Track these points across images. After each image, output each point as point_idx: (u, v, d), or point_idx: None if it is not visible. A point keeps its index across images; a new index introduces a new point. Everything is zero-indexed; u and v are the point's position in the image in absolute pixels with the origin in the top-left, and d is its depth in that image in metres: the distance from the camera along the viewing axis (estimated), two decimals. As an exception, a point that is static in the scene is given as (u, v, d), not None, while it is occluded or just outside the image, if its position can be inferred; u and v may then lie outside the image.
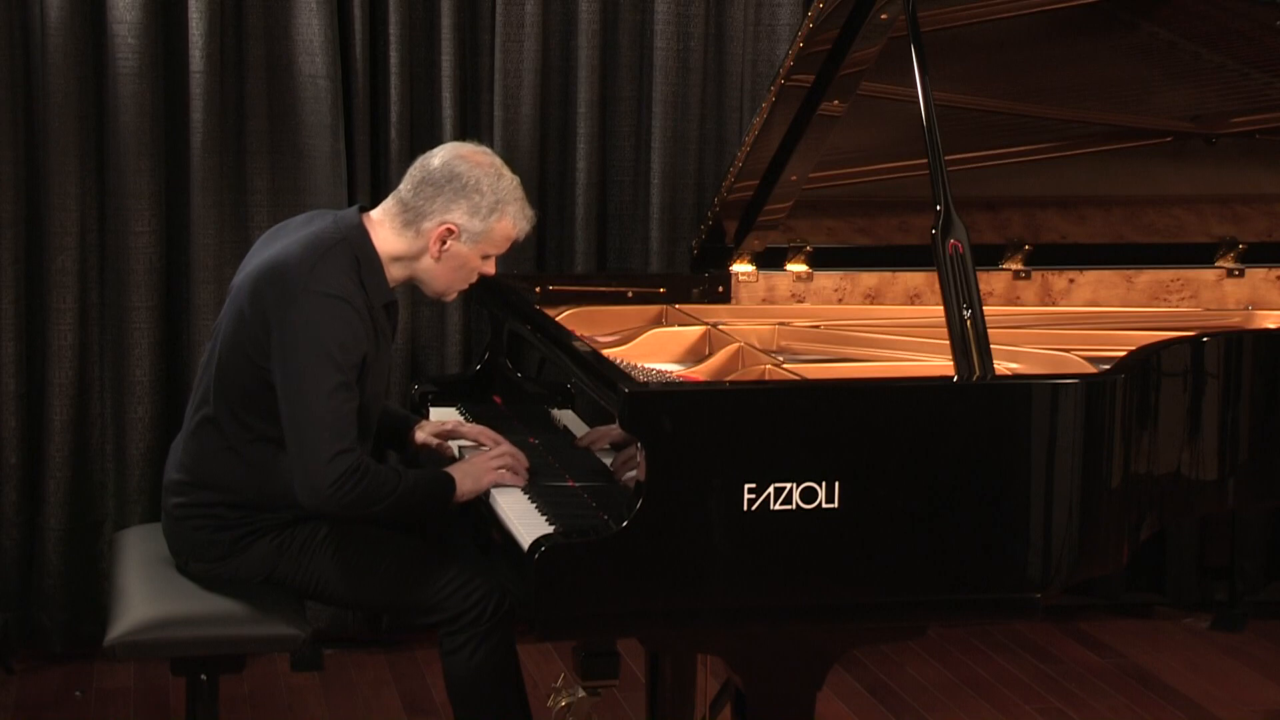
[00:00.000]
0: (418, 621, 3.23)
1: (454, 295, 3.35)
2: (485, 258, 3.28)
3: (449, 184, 3.21)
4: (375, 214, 3.28)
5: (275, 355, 3.13)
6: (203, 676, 3.18)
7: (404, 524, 3.42)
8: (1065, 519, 2.93)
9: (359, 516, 3.15)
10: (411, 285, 3.34)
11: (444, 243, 3.22)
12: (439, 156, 3.25)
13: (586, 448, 3.36)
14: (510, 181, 3.26)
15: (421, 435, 3.54)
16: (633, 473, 2.90)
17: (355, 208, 3.31)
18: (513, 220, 3.25)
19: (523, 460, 3.29)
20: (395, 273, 3.27)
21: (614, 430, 3.25)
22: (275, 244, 3.28)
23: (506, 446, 3.33)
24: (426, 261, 3.25)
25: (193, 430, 3.31)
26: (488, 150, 3.30)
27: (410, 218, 3.23)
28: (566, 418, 3.60)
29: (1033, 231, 4.19)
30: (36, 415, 4.50)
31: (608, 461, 3.25)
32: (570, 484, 3.24)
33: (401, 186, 3.27)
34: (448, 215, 3.21)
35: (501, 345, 3.91)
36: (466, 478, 3.23)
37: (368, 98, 4.58)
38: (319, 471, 3.07)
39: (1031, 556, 2.91)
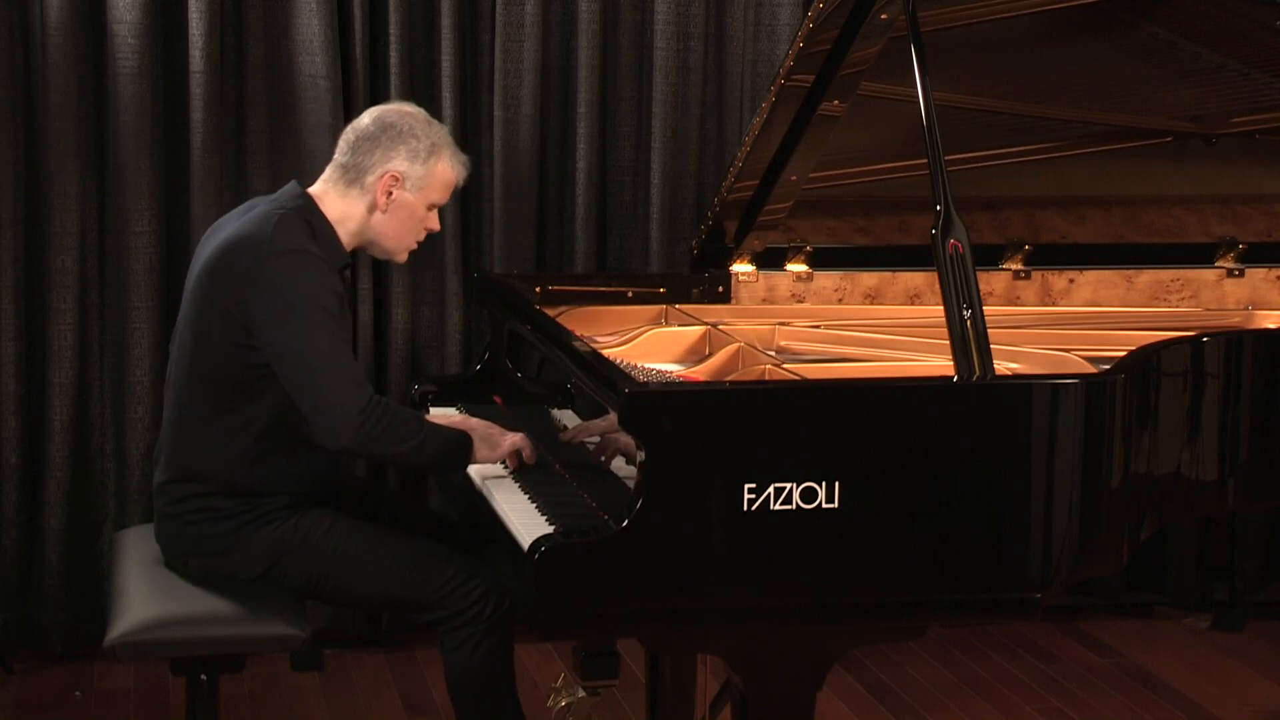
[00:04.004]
0: (419, 619, 3.24)
1: (405, 255, 3.41)
2: (430, 208, 3.35)
3: (384, 134, 3.30)
4: (316, 187, 3.35)
5: (261, 326, 3.15)
6: (203, 676, 3.18)
7: (401, 522, 3.43)
8: (1065, 519, 2.93)
9: (385, 459, 3.19)
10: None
11: (390, 193, 3.30)
12: (368, 116, 3.36)
13: (571, 442, 3.35)
14: (440, 127, 3.37)
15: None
16: (625, 468, 2.90)
17: (292, 183, 3.37)
18: (450, 163, 3.35)
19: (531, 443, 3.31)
20: (347, 237, 3.33)
21: (600, 423, 3.25)
22: (220, 234, 3.30)
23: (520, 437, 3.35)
24: (377, 217, 3.31)
25: (174, 430, 3.33)
26: (412, 103, 3.43)
27: (353, 176, 3.30)
28: (566, 418, 3.60)
29: (1033, 231, 4.19)
30: (36, 415, 4.50)
31: (595, 453, 3.26)
32: (567, 479, 3.24)
33: (336, 155, 3.35)
34: (389, 164, 3.29)
35: (501, 345, 3.91)
36: (484, 444, 3.26)
37: (368, 98, 4.57)
38: (343, 407, 3.10)
39: (1031, 556, 2.91)
